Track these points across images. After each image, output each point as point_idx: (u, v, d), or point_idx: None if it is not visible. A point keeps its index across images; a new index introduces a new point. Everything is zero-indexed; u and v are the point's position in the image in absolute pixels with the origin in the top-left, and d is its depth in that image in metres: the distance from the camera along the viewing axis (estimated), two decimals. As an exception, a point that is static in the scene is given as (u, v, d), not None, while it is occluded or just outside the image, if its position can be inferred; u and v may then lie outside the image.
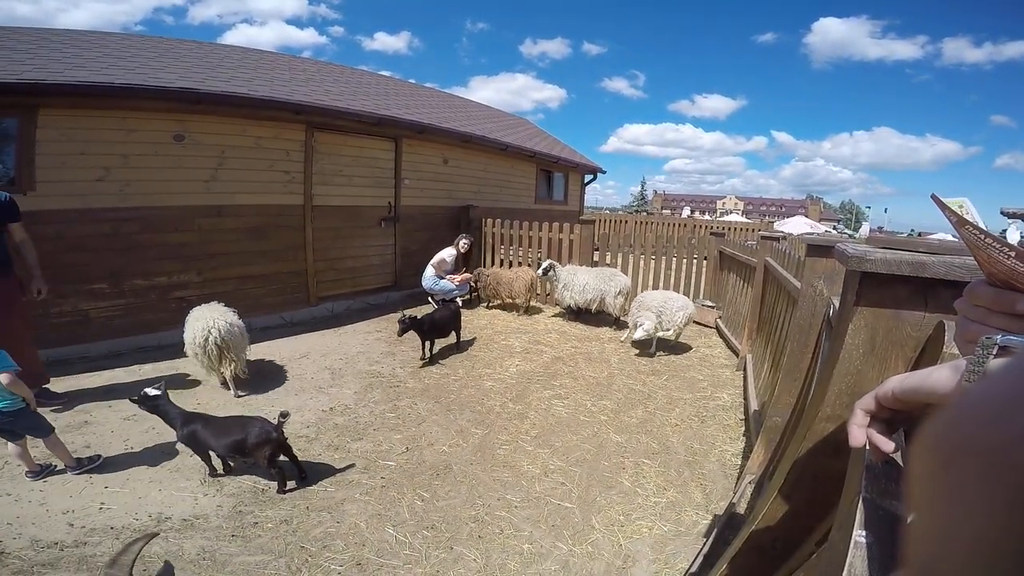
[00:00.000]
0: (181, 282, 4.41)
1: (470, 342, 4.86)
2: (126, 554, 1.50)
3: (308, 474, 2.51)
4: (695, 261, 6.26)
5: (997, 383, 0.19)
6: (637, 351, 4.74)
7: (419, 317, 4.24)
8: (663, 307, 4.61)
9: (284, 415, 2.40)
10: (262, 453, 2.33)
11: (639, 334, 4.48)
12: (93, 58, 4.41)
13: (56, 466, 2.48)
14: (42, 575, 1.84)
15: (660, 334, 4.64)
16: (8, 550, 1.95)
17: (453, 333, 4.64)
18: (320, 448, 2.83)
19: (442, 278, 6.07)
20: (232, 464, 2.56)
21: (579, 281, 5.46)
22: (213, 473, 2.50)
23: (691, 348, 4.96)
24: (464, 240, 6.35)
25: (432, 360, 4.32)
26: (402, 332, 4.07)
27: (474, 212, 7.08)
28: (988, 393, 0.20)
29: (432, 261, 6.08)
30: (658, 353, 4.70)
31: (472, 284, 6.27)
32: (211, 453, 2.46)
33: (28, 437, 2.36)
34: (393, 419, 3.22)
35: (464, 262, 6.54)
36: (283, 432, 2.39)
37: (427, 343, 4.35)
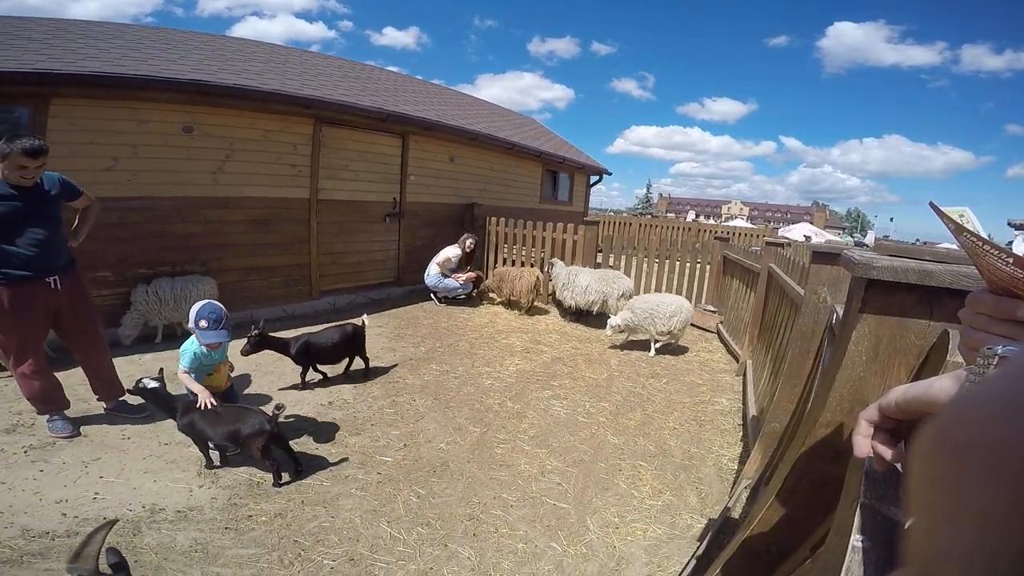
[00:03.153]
0: (185, 272, 4.42)
1: (470, 340, 4.86)
2: (90, 545, 1.44)
3: (304, 468, 2.51)
4: (698, 265, 6.25)
5: (997, 383, 0.20)
6: (642, 354, 4.73)
7: (287, 338, 3.44)
8: (654, 311, 4.61)
9: (279, 408, 2.40)
10: (256, 445, 2.33)
11: (608, 328, 4.75)
12: (106, 49, 4.42)
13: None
14: (32, 565, 1.83)
15: (641, 336, 4.84)
16: None
17: (356, 359, 3.77)
18: (317, 442, 2.83)
19: (446, 276, 6.09)
20: (228, 455, 2.56)
21: (581, 282, 5.44)
22: (209, 465, 2.50)
23: (691, 352, 4.95)
24: (469, 239, 6.39)
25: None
26: (249, 351, 3.25)
27: (479, 210, 7.08)
28: (989, 393, 0.20)
29: (437, 259, 6.09)
30: (658, 356, 4.69)
31: (476, 281, 6.30)
32: (209, 444, 2.47)
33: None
34: (391, 415, 3.22)
35: (468, 261, 6.55)
36: (278, 425, 2.39)
37: (305, 371, 3.49)
